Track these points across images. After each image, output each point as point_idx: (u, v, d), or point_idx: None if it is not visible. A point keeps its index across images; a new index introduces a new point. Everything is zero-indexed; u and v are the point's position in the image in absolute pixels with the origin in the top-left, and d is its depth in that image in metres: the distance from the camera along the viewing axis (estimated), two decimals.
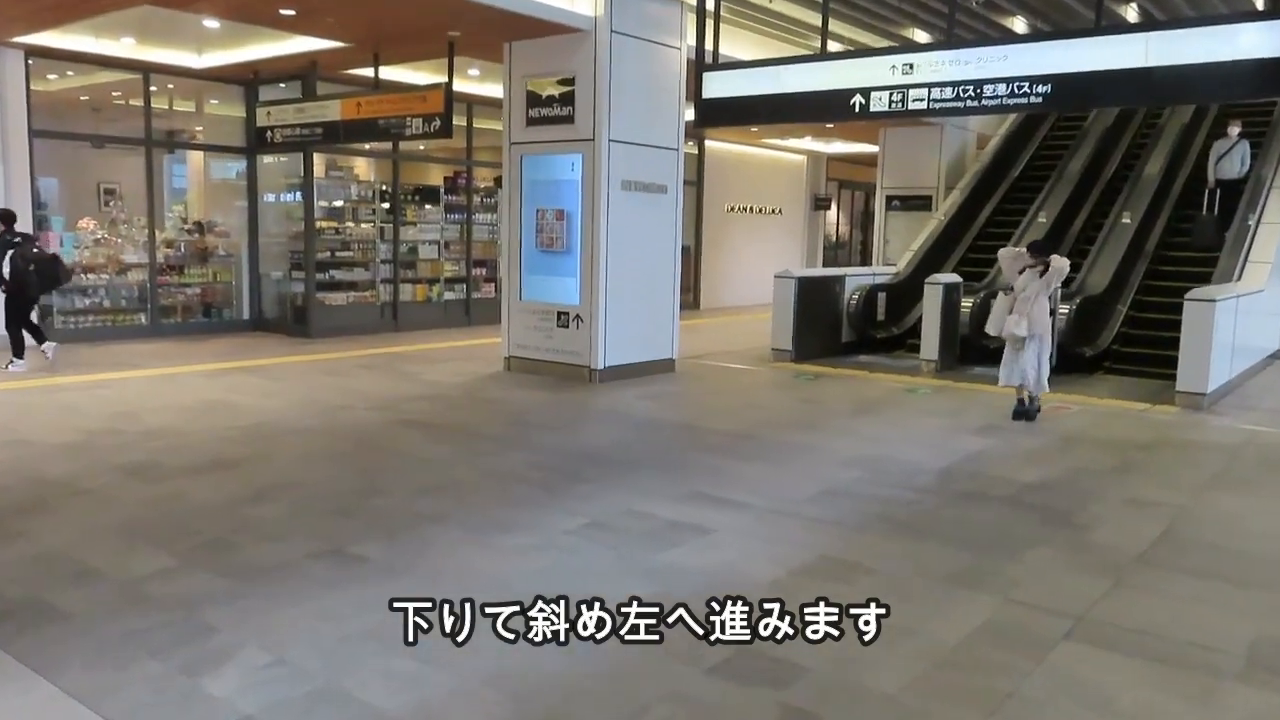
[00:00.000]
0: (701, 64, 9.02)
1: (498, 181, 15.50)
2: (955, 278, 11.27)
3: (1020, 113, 9.43)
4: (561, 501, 5.46)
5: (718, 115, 9.00)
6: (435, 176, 15.55)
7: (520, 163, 9.86)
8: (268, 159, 13.17)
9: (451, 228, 14.37)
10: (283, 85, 12.49)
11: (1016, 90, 7.11)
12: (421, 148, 15.11)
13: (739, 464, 6.42)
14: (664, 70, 9.81)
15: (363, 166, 14.61)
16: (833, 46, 9.40)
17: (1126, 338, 11.35)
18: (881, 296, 12.67)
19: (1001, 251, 8.49)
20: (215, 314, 13.04)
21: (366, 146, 13.66)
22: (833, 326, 12.27)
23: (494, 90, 13.27)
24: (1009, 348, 7.99)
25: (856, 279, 12.69)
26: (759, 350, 12.30)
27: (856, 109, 7.90)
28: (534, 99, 9.59)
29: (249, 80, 12.65)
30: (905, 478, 6.17)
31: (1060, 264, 7.70)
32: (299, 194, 12.71)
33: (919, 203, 16.39)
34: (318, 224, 12.82)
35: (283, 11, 8.92)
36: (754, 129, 17.18)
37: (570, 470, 6.13)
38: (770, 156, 20.68)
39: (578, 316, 9.56)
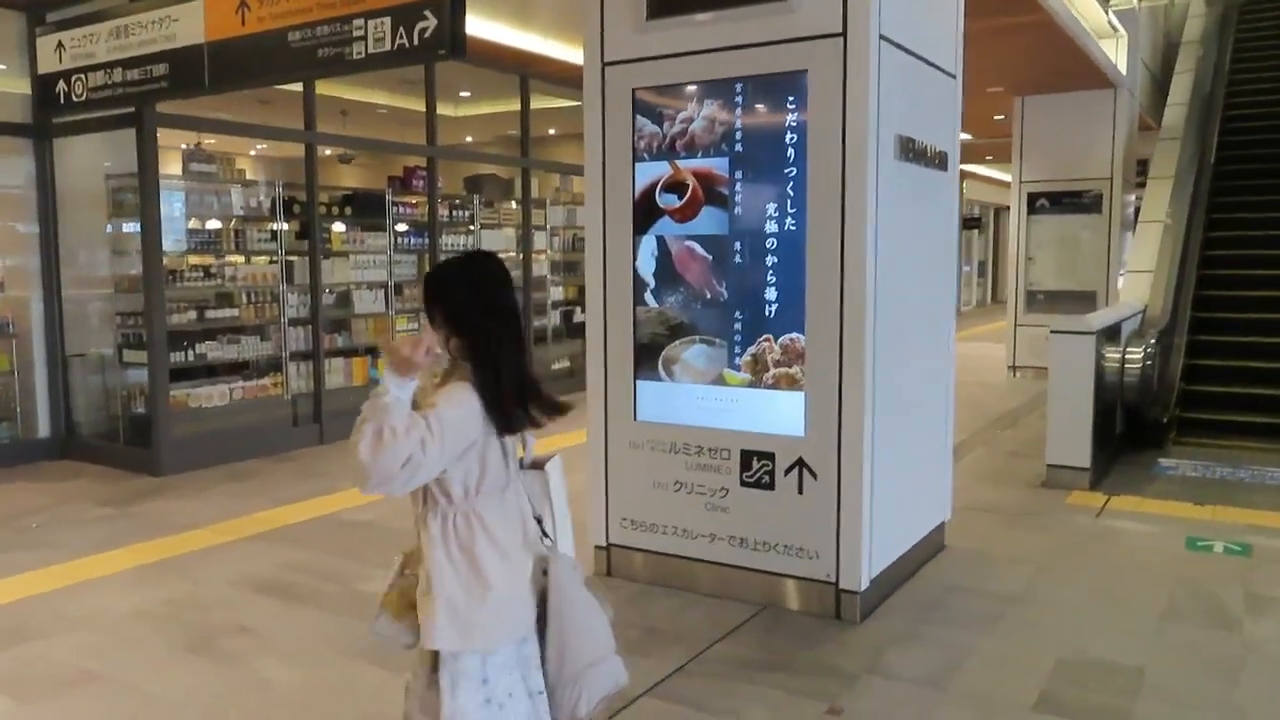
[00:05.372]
0: None
1: (470, 185, 9.84)
2: None
3: None
4: None
5: None
6: (372, 177, 9.79)
7: (632, 105, 4.25)
8: (73, 144, 7.17)
9: (405, 259, 8.61)
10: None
11: None
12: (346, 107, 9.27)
13: None
14: None
15: (249, 156, 8.74)
16: None
17: None
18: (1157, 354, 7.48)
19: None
20: None
21: (254, 117, 7.82)
22: (1105, 410, 7.00)
23: (497, 30, 7.66)
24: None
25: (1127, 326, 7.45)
26: (999, 465, 6.92)
27: None
28: None
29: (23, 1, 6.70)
30: None
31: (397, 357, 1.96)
32: (138, 217, 6.73)
33: (1082, 202, 11.30)
34: (174, 260, 6.97)
35: None
36: None
37: None
38: None
39: (801, 463, 3.97)
